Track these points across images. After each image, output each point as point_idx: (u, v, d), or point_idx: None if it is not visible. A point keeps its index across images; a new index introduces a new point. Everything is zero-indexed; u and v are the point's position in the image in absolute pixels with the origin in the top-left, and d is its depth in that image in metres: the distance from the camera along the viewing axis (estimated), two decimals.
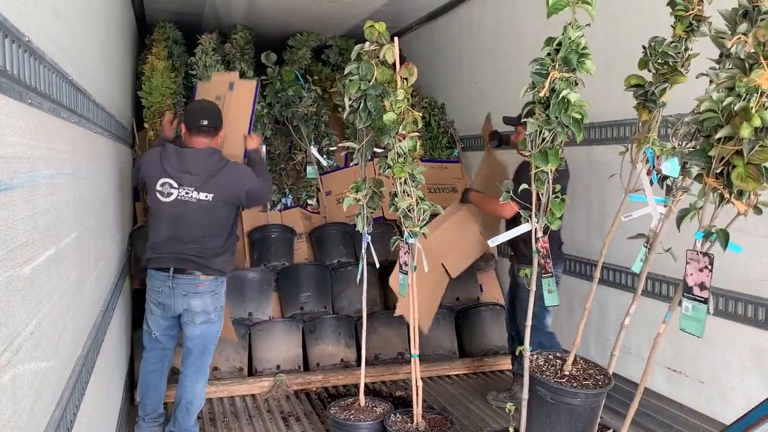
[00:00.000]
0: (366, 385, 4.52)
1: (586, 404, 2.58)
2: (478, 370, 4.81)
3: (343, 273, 4.93)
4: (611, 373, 2.70)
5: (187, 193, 3.43)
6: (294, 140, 5.66)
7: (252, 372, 4.53)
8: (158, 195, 3.46)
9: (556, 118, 2.35)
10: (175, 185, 3.44)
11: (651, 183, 2.42)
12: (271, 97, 5.66)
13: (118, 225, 4.08)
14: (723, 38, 2.09)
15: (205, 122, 3.54)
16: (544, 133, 2.41)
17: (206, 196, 3.43)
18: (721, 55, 2.16)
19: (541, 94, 2.35)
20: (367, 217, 3.47)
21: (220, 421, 4.00)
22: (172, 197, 3.44)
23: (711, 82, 2.13)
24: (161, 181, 3.45)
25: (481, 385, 4.57)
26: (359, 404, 3.60)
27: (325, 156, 5.59)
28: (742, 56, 1.95)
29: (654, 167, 2.41)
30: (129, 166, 5.09)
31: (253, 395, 4.35)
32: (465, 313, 5.00)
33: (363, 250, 3.55)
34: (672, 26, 2.40)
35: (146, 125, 5.31)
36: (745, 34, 1.97)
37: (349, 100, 3.20)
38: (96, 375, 2.60)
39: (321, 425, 3.92)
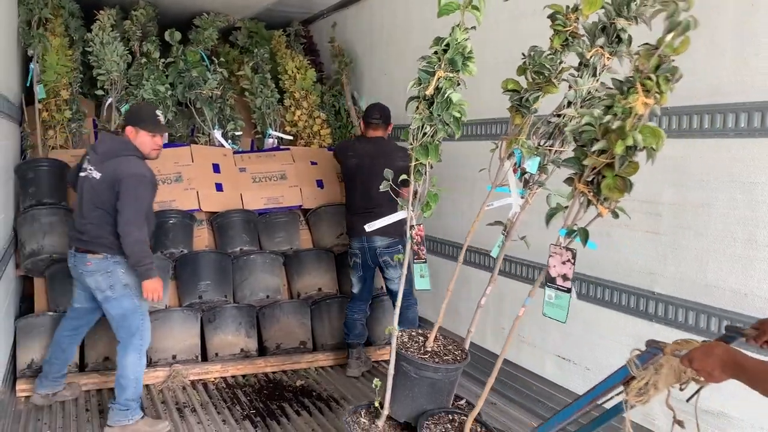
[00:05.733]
0: (266, 375, 4.49)
1: (446, 378, 2.81)
2: (380, 359, 4.85)
3: (246, 261, 4.83)
4: (467, 349, 2.96)
5: (90, 170, 3.55)
6: (197, 123, 5.48)
7: (147, 362, 4.35)
8: (81, 174, 3.65)
9: (439, 115, 2.45)
10: (88, 164, 3.58)
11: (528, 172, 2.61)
12: (173, 77, 5.46)
13: None
14: (581, 49, 2.26)
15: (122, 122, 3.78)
16: (425, 128, 2.51)
17: (98, 175, 3.51)
18: (580, 64, 2.32)
19: (427, 92, 2.45)
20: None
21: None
22: (83, 174, 3.59)
23: (570, 87, 2.31)
24: (85, 158, 3.68)
25: (381, 374, 4.60)
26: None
27: (229, 141, 5.45)
28: (621, 78, 2.10)
29: (520, 166, 2.61)
30: (15, 143, 4.78)
31: (146, 386, 4.19)
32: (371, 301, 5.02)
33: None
34: (550, 39, 2.53)
35: (40, 105, 5.00)
36: (602, 47, 2.16)
37: None
38: None
39: (217, 416, 3.84)
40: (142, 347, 3.63)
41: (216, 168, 5.11)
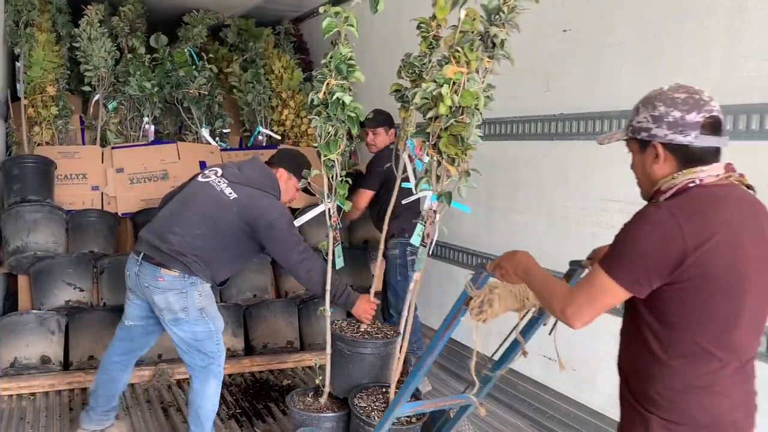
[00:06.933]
0: (253, 374, 4.47)
1: (376, 353, 3.07)
2: None
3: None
4: (401, 330, 3.09)
5: (219, 181, 3.21)
6: (184, 120, 5.45)
7: None
8: (197, 177, 3.31)
9: (335, 115, 2.85)
10: (219, 173, 3.26)
11: (425, 170, 2.86)
12: (160, 78, 5.42)
13: None
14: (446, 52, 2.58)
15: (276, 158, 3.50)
16: (328, 128, 2.89)
17: (231, 193, 3.15)
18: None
19: (320, 96, 2.83)
20: None
21: None
22: (207, 179, 3.24)
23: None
24: (211, 168, 3.34)
25: None
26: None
27: (217, 138, 5.42)
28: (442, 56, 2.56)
29: (415, 156, 3.10)
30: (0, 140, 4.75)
31: (132, 385, 4.15)
32: None
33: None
34: (419, 44, 2.97)
35: (26, 101, 4.95)
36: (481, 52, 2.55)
37: None
38: None
39: None
40: (221, 373, 3.25)
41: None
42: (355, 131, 2.97)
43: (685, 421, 1.61)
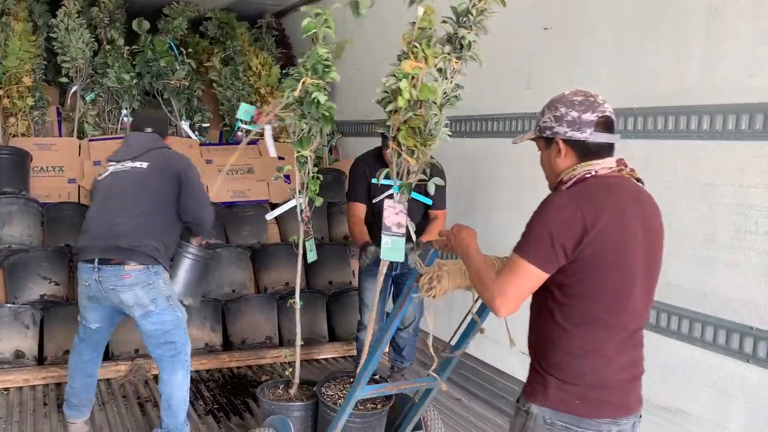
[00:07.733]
0: (231, 370, 4.44)
1: (198, 259, 3.60)
2: (347, 354, 4.84)
3: (212, 256, 4.77)
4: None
5: (122, 165, 3.24)
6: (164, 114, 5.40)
7: (108, 356, 4.28)
8: (98, 178, 3.33)
9: (309, 113, 2.91)
10: (114, 162, 3.29)
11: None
12: (141, 67, 5.36)
13: None
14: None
15: (149, 130, 3.46)
16: (302, 125, 2.96)
17: (140, 164, 3.22)
18: (439, 70, 2.69)
19: (295, 94, 2.86)
20: None
21: None
22: (108, 172, 3.27)
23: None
24: (105, 167, 3.34)
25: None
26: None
27: (197, 132, 5.38)
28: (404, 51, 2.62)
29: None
30: None
31: (108, 380, 4.12)
32: (336, 297, 5.01)
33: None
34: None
35: (1, 92, 4.88)
36: (449, 53, 2.59)
37: None
38: None
39: None
40: (188, 363, 3.27)
41: None
42: (328, 130, 3.04)
43: (578, 382, 1.79)
